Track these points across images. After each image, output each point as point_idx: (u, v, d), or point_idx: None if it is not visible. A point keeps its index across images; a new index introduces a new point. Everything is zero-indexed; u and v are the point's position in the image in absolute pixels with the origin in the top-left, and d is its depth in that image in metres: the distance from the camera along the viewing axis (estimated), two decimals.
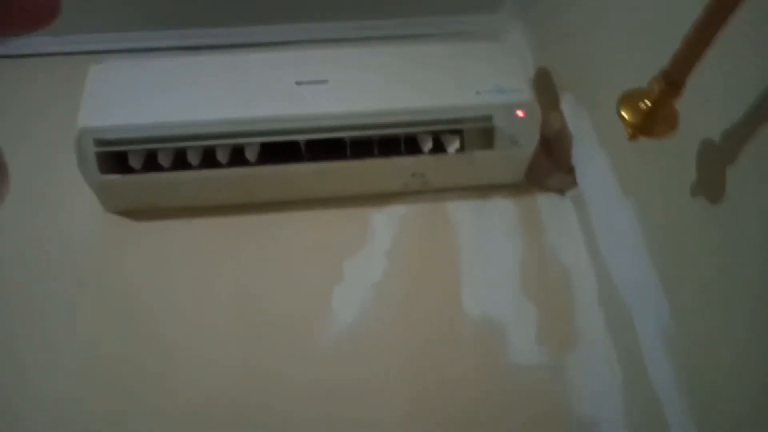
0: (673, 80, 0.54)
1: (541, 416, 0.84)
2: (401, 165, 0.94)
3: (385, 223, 0.99)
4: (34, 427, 0.80)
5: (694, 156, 0.66)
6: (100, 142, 0.87)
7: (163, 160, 0.89)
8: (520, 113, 0.92)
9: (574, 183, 1.00)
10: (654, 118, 0.58)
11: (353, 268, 0.94)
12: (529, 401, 0.85)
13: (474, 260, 0.96)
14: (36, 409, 0.81)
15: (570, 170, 1.01)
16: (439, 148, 0.94)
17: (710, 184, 0.65)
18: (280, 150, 0.91)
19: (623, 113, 0.59)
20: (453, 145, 0.93)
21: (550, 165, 1.02)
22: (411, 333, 0.89)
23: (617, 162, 0.87)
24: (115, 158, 0.89)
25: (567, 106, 1.01)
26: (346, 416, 0.83)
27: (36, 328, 0.87)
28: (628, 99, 0.59)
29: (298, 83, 0.91)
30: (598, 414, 0.84)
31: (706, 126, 0.64)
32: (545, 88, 1.06)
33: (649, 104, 0.57)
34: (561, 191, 1.01)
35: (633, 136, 0.60)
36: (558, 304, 0.92)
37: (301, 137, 0.90)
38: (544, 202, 1.02)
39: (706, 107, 0.63)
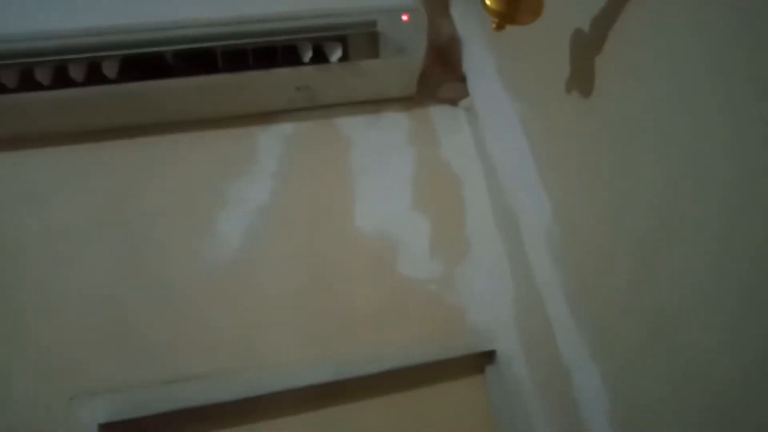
0: None
1: (435, 325, 0.85)
2: (281, 77, 0.88)
3: (271, 142, 0.94)
4: None
5: (567, 49, 0.64)
6: None
7: (7, 78, 0.79)
8: (405, 18, 0.87)
9: (465, 92, 0.97)
10: (518, 5, 0.54)
11: (239, 191, 0.89)
12: (424, 313, 0.85)
13: (366, 177, 0.93)
14: None
15: (462, 79, 0.98)
16: (321, 58, 0.88)
17: (582, 76, 0.63)
18: (145, 65, 0.82)
19: (487, 1, 0.55)
20: (335, 54, 0.87)
21: (442, 74, 0.99)
22: (302, 255, 0.86)
23: (503, 66, 0.84)
24: None
25: (456, 12, 0.97)
26: (236, 337, 0.80)
27: None
28: None
29: None
30: (492, 320, 0.85)
31: (574, 16, 0.61)
32: None
33: None
34: (454, 101, 0.99)
35: (499, 26, 0.56)
36: (451, 215, 0.91)
37: (166, 48, 0.81)
38: (437, 113, 0.99)
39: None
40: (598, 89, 0.60)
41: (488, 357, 0.84)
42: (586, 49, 0.61)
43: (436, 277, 0.87)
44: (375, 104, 0.98)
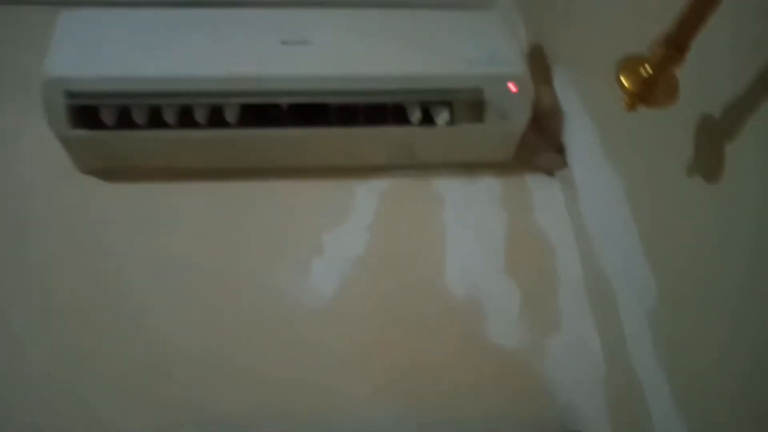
0: (676, 44, 0.52)
1: (520, 398, 0.82)
2: (388, 135, 0.91)
3: (368, 196, 0.96)
4: None
5: (691, 131, 0.64)
6: (70, 94, 0.82)
7: (138, 116, 0.85)
8: (512, 87, 0.89)
9: (564, 163, 0.97)
10: (654, 86, 0.55)
11: (334, 242, 0.91)
12: (508, 382, 0.83)
13: (459, 237, 0.93)
14: None
15: (560, 149, 0.98)
16: (427, 119, 0.91)
17: (707, 162, 0.63)
18: (262, 113, 0.87)
19: (622, 79, 0.56)
20: (442, 117, 0.90)
21: (540, 143, 1.00)
22: (391, 308, 0.87)
23: (608, 140, 0.84)
24: (87, 112, 0.84)
25: (559, 82, 0.98)
26: (320, 386, 0.80)
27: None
28: (627, 65, 0.56)
29: (284, 43, 0.87)
30: (579, 398, 0.82)
31: (704, 99, 0.61)
32: (537, 63, 1.03)
33: (649, 70, 0.54)
34: (550, 171, 0.99)
35: (631, 106, 0.57)
36: (542, 284, 0.90)
37: (284, 100, 0.86)
38: (533, 181, 1.00)
39: (706, 78, 0.60)
40: (727, 176, 0.59)
41: None
42: (714, 134, 0.61)
43: (525, 347, 0.85)
44: (471, 166, 1.00)
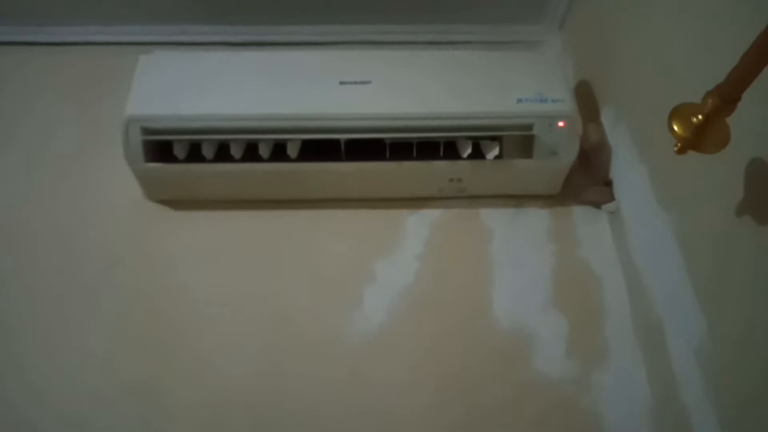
0: (727, 96, 0.54)
1: (567, 430, 0.84)
2: (439, 169, 0.95)
3: (418, 226, 1.00)
4: (61, 407, 0.82)
5: (742, 174, 0.66)
6: (146, 131, 0.89)
7: (207, 151, 0.91)
8: (561, 124, 0.92)
9: (610, 197, 0.99)
10: (705, 133, 0.57)
11: (385, 270, 0.95)
12: (555, 415, 0.85)
13: (506, 268, 0.96)
14: (64, 386, 0.83)
15: (607, 184, 1.00)
16: (477, 154, 0.94)
17: (756, 204, 0.65)
18: (321, 148, 0.92)
19: (675, 126, 0.58)
20: (492, 152, 0.93)
21: (587, 178, 1.02)
22: (439, 337, 0.90)
23: (656, 176, 0.86)
24: (161, 147, 0.91)
25: (607, 119, 1.01)
26: (370, 415, 0.83)
27: (69, 310, 0.89)
28: (680, 112, 0.59)
29: (342, 83, 0.93)
30: (626, 430, 0.83)
31: (756, 143, 0.63)
32: (585, 100, 1.06)
33: (701, 118, 0.57)
34: (597, 204, 1.01)
35: (682, 150, 0.60)
36: (589, 317, 0.92)
37: (342, 136, 0.91)
38: (580, 214, 1.02)
39: (758, 125, 0.62)
40: None
41: None
42: (764, 178, 0.63)
43: (572, 379, 0.87)
44: (518, 198, 1.02)
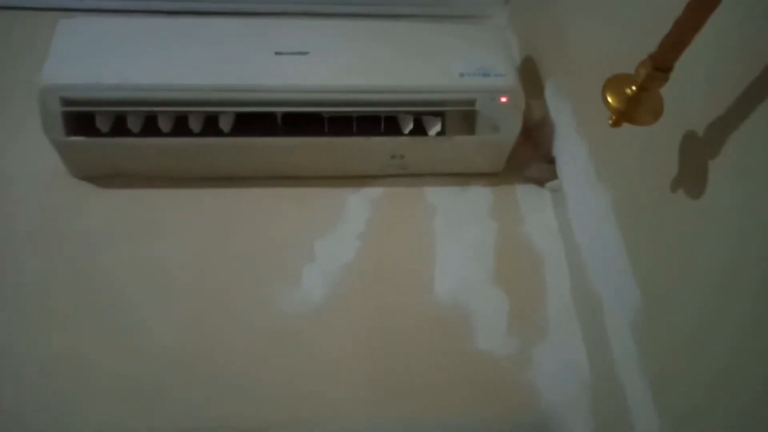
0: (660, 65, 0.53)
1: (507, 406, 0.84)
2: (380, 145, 0.92)
3: (360, 204, 0.97)
4: None
5: (676, 147, 0.65)
6: (66, 101, 0.83)
7: (133, 124, 0.86)
8: (503, 99, 0.91)
9: (554, 174, 0.99)
10: (639, 105, 0.56)
11: (325, 248, 0.92)
12: (494, 390, 0.84)
13: (448, 246, 0.95)
14: None
15: (551, 161, 1.00)
16: (419, 130, 0.92)
17: (690, 177, 0.64)
18: (256, 122, 0.88)
19: (608, 98, 0.57)
20: (434, 128, 0.91)
21: (530, 155, 1.01)
22: (379, 315, 0.88)
23: (596, 152, 0.86)
24: (83, 119, 0.85)
25: (550, 95, 1.00)
26: (305, 391, 0.81)
27: None
28: (614, 84, 0.58)
29: (278, 53, 0.88)
30: (565, 405, 0.83)
31: (689, 117, 0.63)
32: (530, 76, 1.04)
33: (634, 89, 0.56)
34: (540, 182, 1.00)
35: (616, 123, 0.58)
36: (530, 293, 0.91)
37: (278, 109, 0.87)
38: (523, 192, 1.01)
39: (691, 97, 0.62)
40: (708, 192, 0.61)
41: None
42: (699, 149, 0.62)
43: (511, 355, 0.86)
44: (462, 176, 1.01)
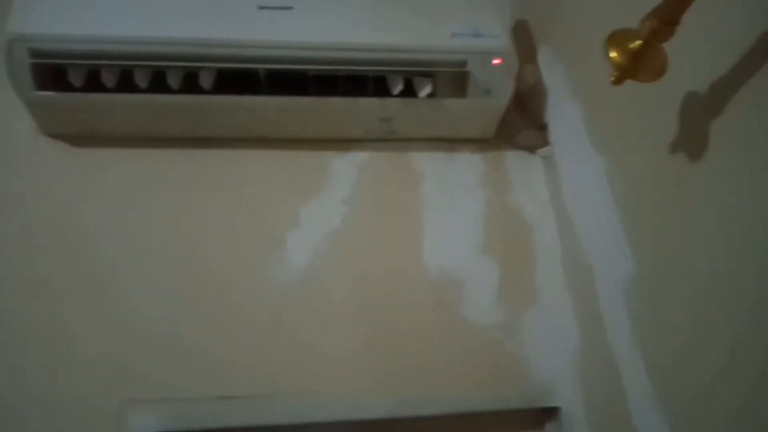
0: (666, 18, 0.50)
1: (497, 374, 0.83)
2: (367, 107, 0.89)
3: (345, 169, 0.94)
4: None
5: (676, 110, 0.63)
6: (35, 53, 0.78)
7: (107, 79, 0.81)
8: (496, 61, 0.87)
9: (545, 141, 0.96)
10: (642, 61, 0.54)
11: (310, 213, 0.89)
12: (484, 359, 0.83)
13: (437, 213, 0.92)
14: None
15: (542, 128, 0.97)
16: (409, 92, 0.89)
17: (691, 142, 0.62)
18: (238, 80, 0.84)
19: (611, 53, 0.54)
20: (424, 90, 0.88)
21: (522, 121, 0.98)
22: (365, 283, 0.86)
23: (590, 118, 0.83)
24: (54, 73, 0.80)
25: (543, 60, 0.97)
26: (292, 361, 0.79)
27: None
28: (617, 38, 0.55)
29: (261, 7, 0.84)
30: (555, 374, 0.82)
31: (690, 78, 0.60)
32: (523, 40, 1.01)
33: (638, 44, 0.53)
34: (531, 149, 0.98)
35: (618, 80, 0.56)
36: (519, 262, 0.90)
37: (261, 66, 0.83)
38: (513, 159, 0.99)
39: (693, 55, 0.59)
40: (709, 158, 0.59)
41: (549, 413, 0.81)
42: (699, 113, 0.60)
43: (500, 324, 0.85)
44: (450, 142, 0.98)
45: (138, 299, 0.80)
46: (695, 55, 0.59)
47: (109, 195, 0.86)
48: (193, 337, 0.79)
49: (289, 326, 0.81)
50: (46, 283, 0.80)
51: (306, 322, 0.82)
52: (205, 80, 0.83)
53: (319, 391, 0.79)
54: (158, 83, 0.82)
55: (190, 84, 0.83)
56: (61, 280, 0.80)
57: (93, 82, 0.81)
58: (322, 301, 0.84)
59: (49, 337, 0.76)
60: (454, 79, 0.88)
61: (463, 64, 0.87)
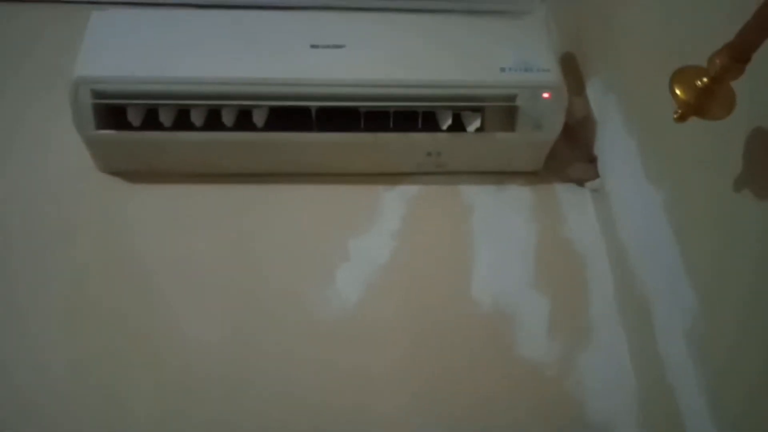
0: (738, 56, 0.50)
1: (549, 413, 0.80)
2: (417, 141, 0.89)
3: (395, 202, 0.94)
4: (24, 379, 0.76)
5: (740, 145, 0.61)
6: (97, 94, 0.81)
7: (165, 118, 0.83)
8: (546, 95, 0.87)
9: (595, 174, 0.95)
10: (711, 98, 0.53)
11: (359, 248, 0.89)
12: (536, 397, 0.81)
13: (486, 247, 0.91)
14: (19, 362, 0.77)
15: (592, 160, 0.96)
16: (458, 127, 0.89)
17: (755, 176, 0.61)
18: (290, 117, 0.85)
19: (677, 90, 0.54)
20: (473, 124, 0.88)
21: (571, 154, 0.98)
22: (416, 318, 0.85)
23: (646, 151, 0.82)
24: (113, 113, 0.83)
25: (593, 92, 0.96)
26: (342, 401, 0.79)
27: (14, 288, 0.82)
28: (683, 76, 0.54)
29: (313, 47, 0.86)
30: (610, 414, 0.80)
31: (755, 112, 0.59)
32: (570, 73, 1.01)
33: (706, 81, 0.52)
34: (581, 181, 0.97)
35: (682, 117, 0.55)
36: (571, 297, 0.88)
37: (313, 104, 0.84)
38: (563, 191, 0.97)
39: (760, 90, 0.58)
40: None
41: None
42: (762, 146, 0.59)
43: (554, 361, 0.83)
44: (499, 175, 0.98)
45: (189, 332, 0.81)
46: (761, 87, 0.58)
47: (163, 230, 0.88)
48: (241, 371, 0.79)
49: (337, 362, 0.81)
50: (100, 315, 0.81)
51: (353, 355, 0.81)
52: (259, 118, 0.84)
53: (367, 427, 0.78)
54: (213, 121, 0.84)
55: (244, 121, 0.85)
56: (115, 315, 0.81)
57: (151, 121, 0.84)
58: (370, 336, 0.83)
59: (105, 367, 0.78)
60: (503, 113, 0.88)
61: (513, 98, 0.87)
